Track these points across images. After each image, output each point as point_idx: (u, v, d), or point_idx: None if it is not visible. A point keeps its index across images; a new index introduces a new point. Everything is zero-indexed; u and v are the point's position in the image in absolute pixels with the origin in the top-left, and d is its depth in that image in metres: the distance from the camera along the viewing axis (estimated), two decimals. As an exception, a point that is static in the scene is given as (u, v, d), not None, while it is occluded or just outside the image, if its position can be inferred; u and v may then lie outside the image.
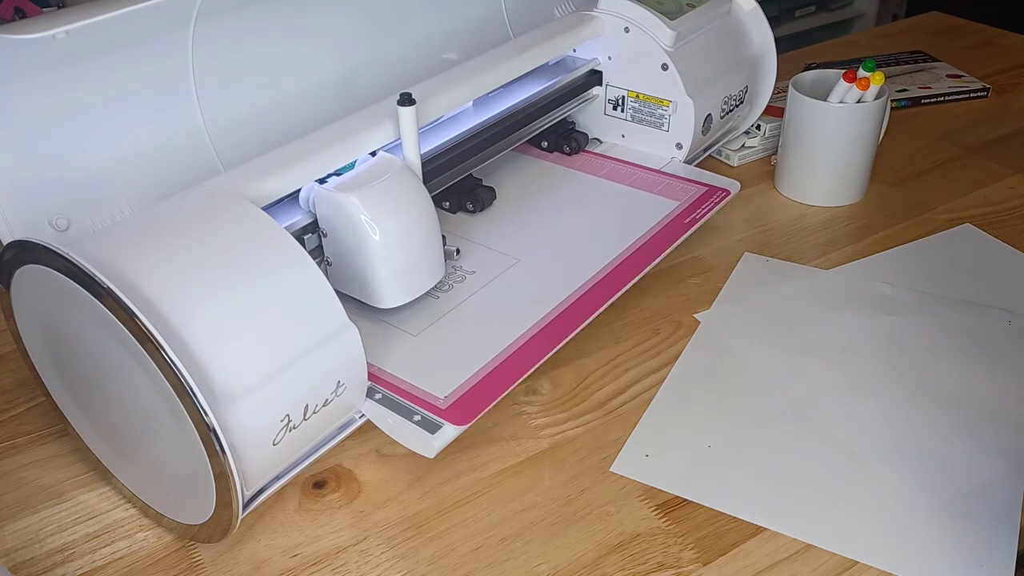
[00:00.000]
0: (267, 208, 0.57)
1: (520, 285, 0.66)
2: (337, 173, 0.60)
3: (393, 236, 0.58)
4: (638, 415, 0.60)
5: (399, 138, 0.63)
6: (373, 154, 0.62)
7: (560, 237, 0.71)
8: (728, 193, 0.76)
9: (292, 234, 0.60)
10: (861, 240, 0.77)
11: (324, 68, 0.68)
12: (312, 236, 0.61)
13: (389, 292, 0.60)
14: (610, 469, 0.56)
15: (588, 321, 0.62)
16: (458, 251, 0.69)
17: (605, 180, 0.78)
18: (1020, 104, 1.00)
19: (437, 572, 0.50)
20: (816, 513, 0.52)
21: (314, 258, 0.62)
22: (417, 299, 0.63)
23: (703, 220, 0.72)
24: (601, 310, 0.63)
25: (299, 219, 0.60)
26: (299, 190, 0.60)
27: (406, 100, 0.60)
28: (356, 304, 0.62)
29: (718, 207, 0.74)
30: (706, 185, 0.77)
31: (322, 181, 0.60)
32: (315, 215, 0.60)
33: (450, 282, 0.66)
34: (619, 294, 0.64)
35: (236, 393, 0.46)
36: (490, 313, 0.63)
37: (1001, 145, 0.92)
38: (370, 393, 0.56)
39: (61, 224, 0.54)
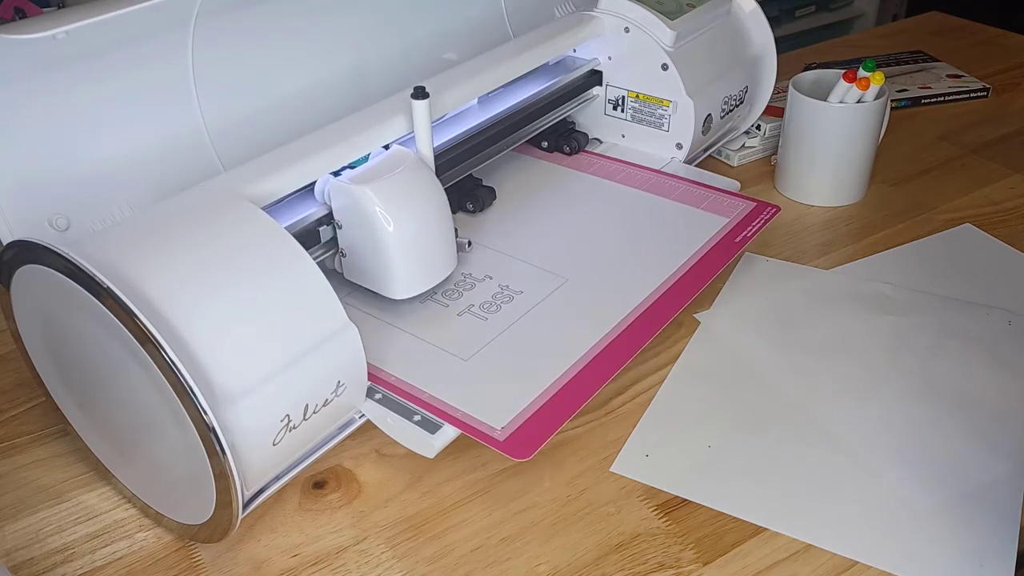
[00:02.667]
0: (277, 202, 0.57)
1: (569, 306, 0.63)
2: (352, 166, 0.61)
3: (407, 228, 0.59)
4: (638, 415, 0.60)
5: (407, 132, 0.63)
6: (387, 147, 0.63)
7: (604, 254, 0.69)
8: (778, 210, 0.73)
9: (306, 226, 0.60)
10: (861, 240, 0.77)
11: (323, 68, 0.68)
12: (327, 228, 0.61)
13: (402, 283, 0.61)
14: (610, 469, 0.56)
15: (641, 349, 0.60)
16: (469, 243, 0.69)
17: (617, 184, 0.78)
18: (1020, 104, 1.00)
19: (437, 572, 0.50)
20: (816, 513, 0.52)
21: (328, 250, 0.62)
22: (464, 319, 0.62)
23: (753, 239, 0.70)
24: (656, 334, 0.61)
25: (314, 211, 0.61)
26: (310, 184, 0.60)
27: (420, 93, 0.61)
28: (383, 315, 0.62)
29: (767, 224, 0.72)
30: (754, 200, 0.74)
31: (336, 173, 0.60)
32: (330, 207, 0.61)
33: (497, 302, 0.64)
34: (675, 316, 0.62)
35: (236, 393, 0.46)
36: (539, 337, 0.61)
37: (1001, 145, 0.92)
38: (370, 393, 0.56)
39: (61, 224, 0.54)
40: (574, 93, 0.81)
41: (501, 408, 0.55)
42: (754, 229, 0.71)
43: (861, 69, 0.77)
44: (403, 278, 0.61)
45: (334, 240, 0.62)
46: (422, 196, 0.60)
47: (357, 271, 0.62)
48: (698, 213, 0.73)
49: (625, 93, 0.81)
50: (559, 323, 0.62)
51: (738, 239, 0.70)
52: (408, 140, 0.64)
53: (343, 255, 0.62)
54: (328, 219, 0.61)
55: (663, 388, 0.62)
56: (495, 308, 0.64)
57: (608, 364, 0.58)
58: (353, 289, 0.64)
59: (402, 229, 0.59)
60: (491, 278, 0.67)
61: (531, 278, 0.67)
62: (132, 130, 0.57)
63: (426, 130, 0.62)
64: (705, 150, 0.87)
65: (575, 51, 0.83)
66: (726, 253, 0.68)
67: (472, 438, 0.53)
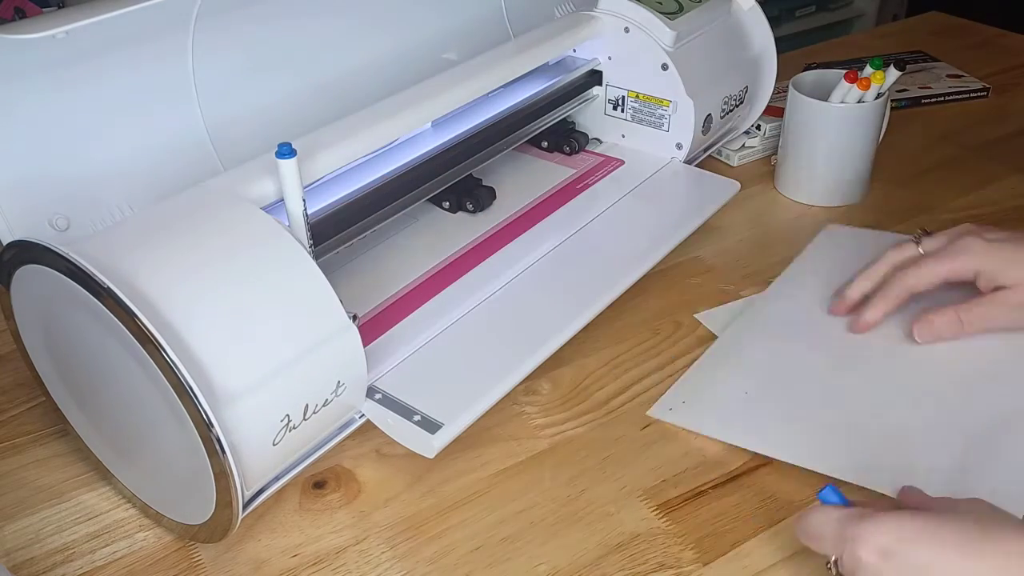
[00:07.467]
0: (278, 202, 0.57)
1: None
2: None
3: None
4: (639, 415, 0.60)
5: (417, 129, 0.64)
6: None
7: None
8: (622, 163, 0.80)
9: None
10: (861, 240, 0.77)
11: (323, 68, 0.68)
12: None
13: None
14: (647, 413, 0.59)
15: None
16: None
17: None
18: (1020, 104, 1.00)
19: (437, 572, 0.50)
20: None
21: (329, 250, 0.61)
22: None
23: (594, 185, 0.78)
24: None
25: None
26: (310, 184, 0.58)
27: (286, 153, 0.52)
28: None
29: (610, 174, 0.79)
30: (602, 156, 0.82)
31: None
32: None
33: None
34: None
35: (236, 393, 0.45)
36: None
37: (1001, 145, 0.92)
38: (370, 393, 0.56)
39: (61, 224, 0.54)
40: (574, 93, 0.81)
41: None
42: (596, 178, 0.79)
43: (868, 67, 0.77)
44: None
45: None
46: None
47: None
48: (554, 167, 0.81)
49: (625, 93, 0.81)
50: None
51: (579, 185, 0.78)
52: (412, 139, 0.63)
53: None
54: None
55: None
56: None
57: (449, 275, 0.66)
58: (353, 288, 0.64)
59: None
60: None
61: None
62: (132, 130, 0.57)
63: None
64: (705, 150, 0.86)
65: (575, 51, 0.83)
66: (568, 195, 0.77)
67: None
